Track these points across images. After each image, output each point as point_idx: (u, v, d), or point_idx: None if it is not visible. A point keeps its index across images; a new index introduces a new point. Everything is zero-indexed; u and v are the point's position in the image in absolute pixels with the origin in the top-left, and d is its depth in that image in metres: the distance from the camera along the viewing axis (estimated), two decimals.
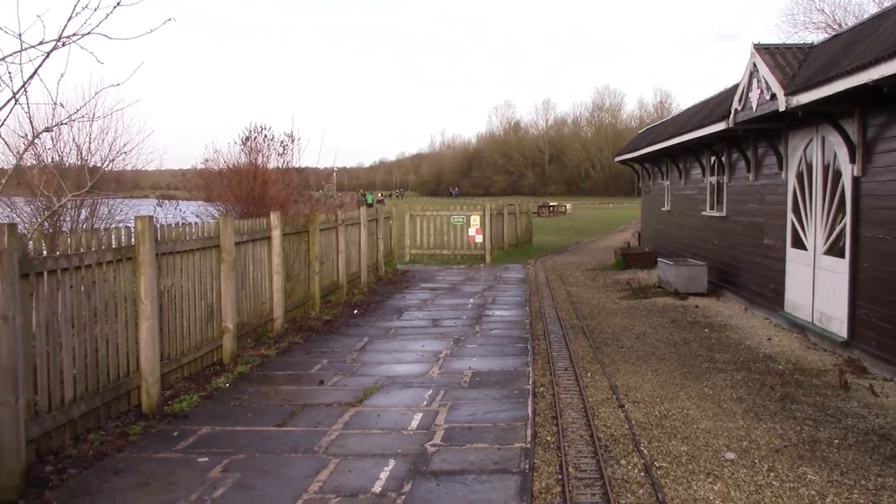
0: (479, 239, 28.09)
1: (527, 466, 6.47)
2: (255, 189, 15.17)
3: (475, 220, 28.13)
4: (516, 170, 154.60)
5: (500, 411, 8.17)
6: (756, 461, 6.81)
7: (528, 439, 7.19)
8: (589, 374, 10.07)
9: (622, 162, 31.07)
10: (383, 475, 6.31)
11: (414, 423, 7.75)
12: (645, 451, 7.04)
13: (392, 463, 6.58)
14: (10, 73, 7.11)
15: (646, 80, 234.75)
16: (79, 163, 15.02)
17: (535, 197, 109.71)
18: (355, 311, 15.31)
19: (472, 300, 17.18)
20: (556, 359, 10.99)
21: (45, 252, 6.66)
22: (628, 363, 10.77)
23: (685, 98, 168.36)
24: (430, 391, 9.05)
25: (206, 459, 6.72)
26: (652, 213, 27.72)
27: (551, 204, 78.83)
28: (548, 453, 6.95)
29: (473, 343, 12.10)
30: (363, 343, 12.13)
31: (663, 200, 24.96)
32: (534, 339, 12.49)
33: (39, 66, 7.26)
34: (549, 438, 7.38)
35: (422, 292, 18.66)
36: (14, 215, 15.09)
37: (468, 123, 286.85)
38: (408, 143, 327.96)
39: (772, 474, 6.50)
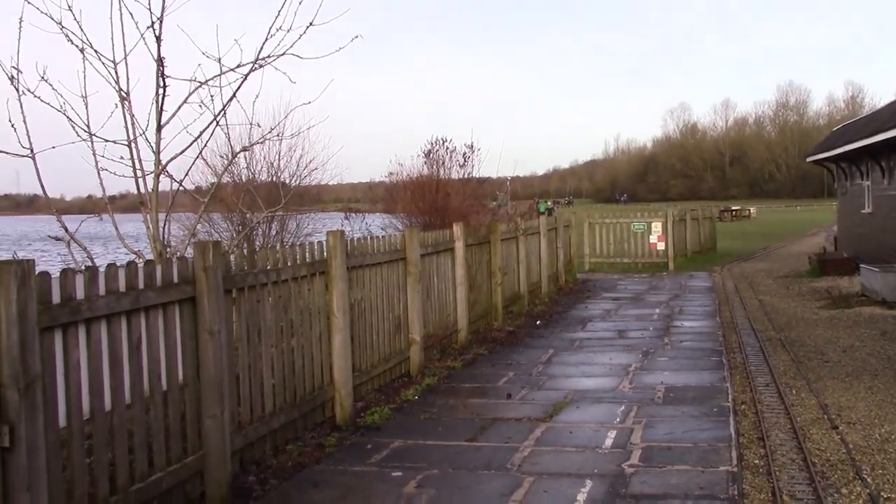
0: (660, 246, 27.22)
1: (735, 492, 6.02)
2: (437, 200, 15.32)
3: (656, 226, 27.29)
4: (694, 173, 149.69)
5: (700, 430, 7.71)
6: None
7: (734, 462, 6.71)
8: (794, 391, 9.38)
9: (815, 162, 29.27)
10: (581, 497, 6.04)
11: (608, 441, 7.43)
12: (868, 480, 6.40)
13: (589, 484, 6.30)
14: (211, 96, 7.43)
15: (834, 74, 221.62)
16: (270, 179, 15.69)
17: (716, 201, 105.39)
18: (538, 322, 15.10)
19: (657, 310, 16.57)
20: (754, 374, 10.33)
21: (245, 268, 6.86)
22: (837, 379, 9.96)
23: (881, 91, 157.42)
24: (623, 407, 8.70)
25: (400, 474, 6.69)
26: (850, 215, 25.90)
27: (734, 208, 75.65)
28: (757, 478, 6.46)
29: (663, 356, 11.60)
30: (548, 355, 11.90)
31: (863, 202, 23.25)
32: (728, 351, 11.83)
33: (238, 87, 7.57)
34: (756, 462, 6.87)
35: (604, 302, 18.21)
36: (212, 231, 15.94)
37: (642, 128, 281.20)
38: (581, 150, 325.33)
39: None
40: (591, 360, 11.50)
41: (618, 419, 8.22)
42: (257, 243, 14.89)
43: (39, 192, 7.35)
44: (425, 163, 16.27)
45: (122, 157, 7.62)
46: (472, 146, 16.89)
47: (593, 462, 6.85)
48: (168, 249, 7.79)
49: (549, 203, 74.71)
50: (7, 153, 6.99)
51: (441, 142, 16.48)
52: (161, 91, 7.36)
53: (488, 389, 9.79)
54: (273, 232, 16.08)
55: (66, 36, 7.39)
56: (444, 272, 12.16)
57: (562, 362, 11.38)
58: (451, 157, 16.23)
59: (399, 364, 10.23)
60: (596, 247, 27.63)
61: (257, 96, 8.33)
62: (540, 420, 8.26)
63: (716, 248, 34.28)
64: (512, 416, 8.49)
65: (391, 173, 17.51)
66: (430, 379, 10.21)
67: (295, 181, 16.43)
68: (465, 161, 16.61)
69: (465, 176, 16.90)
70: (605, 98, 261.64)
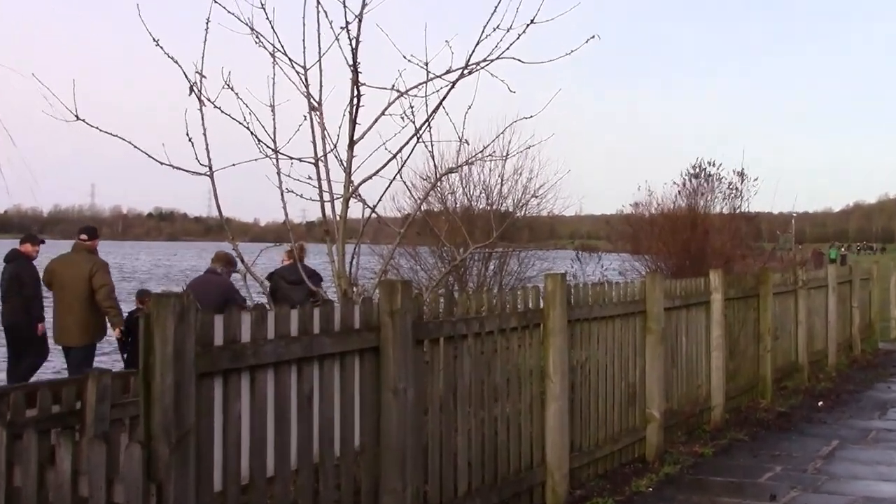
0: None
1: None
2: (692, 240, 14.96)
3: None
4: None
5: None
6: None
7: None
8: None
9: None
10: None
11: None
12: None
13: None
14: (412, 107, 7.68)
15: None
16: (488, 207, 15.90)
17: None
18: (820, 403, 14.34)
19: None
20: None
21: (440, 315, 6.97)
22: None
23: None
24: None
25: None
26: None
27: None
28: None
29: None
30: (831, 447, 11.23)
31: None
32: None
33: (444, 97, 7.76)
34: None
35: None
36: (417, 267, 16.31)
37: None
38: (890, 181, 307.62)
39: None
40: (891, 458, 10.75)
41: None
42: (471, 285, 15.12)
43: (234, 215, 7.88)
44: (679, 192, 15.97)
45: (309, 177, 8.01)
46: (742, 173, 16.38)
47: None
48: (355, 288, 8.07)
49: (842, 249, 71.14)
50: (183, 170, 7.54)
51: (702, 166, 16.10)
52: (355, 101, 7.69)
53: (746, 487, 9.38)
54: (490, 271, 16.24)
55: (256, 39, 7.89)
56: (694, 332, 11.83)
57: (849, 458, 10.71)
58: (713, 186, 15.84)
59: (631, 445, 10.02)
60: None
61: (469, 108, 8.42)
62: None
63: None
64: None
65: (636, 203, 17.31)
66: (669, 467, 9.92)
67: (520, 210, 16.56)
68: (733, 192, 16.12)
69: (732, 210, 16.41)
70: None
